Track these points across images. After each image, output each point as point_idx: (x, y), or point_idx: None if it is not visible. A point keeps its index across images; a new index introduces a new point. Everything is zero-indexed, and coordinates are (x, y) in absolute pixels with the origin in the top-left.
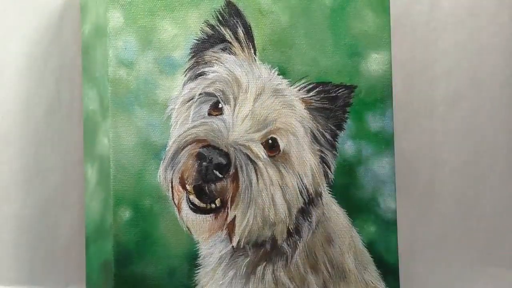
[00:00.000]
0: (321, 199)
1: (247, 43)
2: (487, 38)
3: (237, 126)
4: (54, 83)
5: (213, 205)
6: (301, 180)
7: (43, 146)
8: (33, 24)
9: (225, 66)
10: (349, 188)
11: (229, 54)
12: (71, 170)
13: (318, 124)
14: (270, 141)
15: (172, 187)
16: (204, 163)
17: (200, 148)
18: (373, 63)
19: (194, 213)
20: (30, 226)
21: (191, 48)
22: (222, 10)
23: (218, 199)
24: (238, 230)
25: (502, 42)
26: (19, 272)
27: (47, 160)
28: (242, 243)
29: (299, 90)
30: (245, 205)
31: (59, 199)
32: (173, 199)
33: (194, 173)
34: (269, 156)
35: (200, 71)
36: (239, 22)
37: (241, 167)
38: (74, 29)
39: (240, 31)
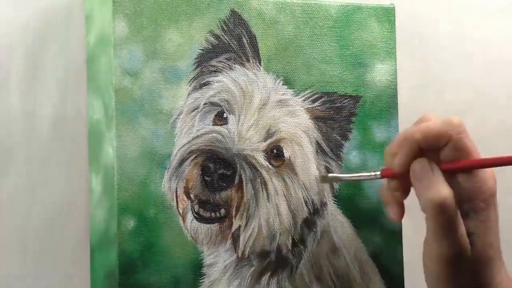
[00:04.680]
0: (326, 209)
1: (252, 53)
2: (494, 50)
3: (242, 136)
4: (59, 93)
5: (217, 215)
6: (306, 190)
7: (48, 156)
8: (37, 34)
9: (230, 76)
10: (355, 199)
11: (234, 64)
12: (76, 180)
13: (323, 134)
14: (275, 151)
15: (176, 196)
16: (209, 173)
17: (204, 158)
18: (378, 73)
19: (199, 223)
20: (35, 235)
21: (195, 58)
22: (227, 20)
23: (223, 208)
24: (242, 240)
25: (510, 54)
26: (24, 281)
27: (52, 170)
28: (246, 253)
29: (304, 100)
30: (250, 214)
31: (64, 209)
32: (177, 208)
33: (199, 183)
34: (274, 166)
35: (204, 80)
36: (244, 32)
37: (245, 177)
38: (79, 39)
39: (245, 41)
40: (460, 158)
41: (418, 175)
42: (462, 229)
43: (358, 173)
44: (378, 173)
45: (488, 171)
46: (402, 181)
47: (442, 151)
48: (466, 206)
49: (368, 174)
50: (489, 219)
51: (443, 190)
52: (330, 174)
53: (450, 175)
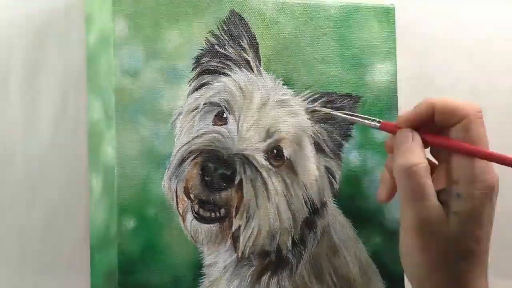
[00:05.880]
0: (326, 209)
1: (252, 53)
2: (495, 50)
3: (242, 136)
4: (59, 93)
5: (217, 215)
6: (306, 190)
7: (48, 156)
8: (37, 34)
9: (230, 76)
10: (355, 199)
11: (234, 64)
12: (76, 180)
13: (323, 134)
14: (275, 151)
15: (176, 196)
16: (209, 173)
17: (204, 158)
18: (378, 73)
19: (199, 223)
20: (35, 236)
21: (195, 58)
22: (227, 20)
23: (223, 208)
24: (242, 240)
25: (510, 54)
26: (24, 281)
27: (52, 170)
28: (246, 253)
29: (304, 100)
30: (250, 214)
31: (64, 209)
32: (177, 208)
33: (199, 183)
34: (274, 166)
35: (204, 80)
36: (244, 32)
37: (245, 177)
38: (79, 39)
39: (245, 41)
40: (466, 140)
41: (398, 141)
42: (434, 202)
43: (356, 116)
44: (378, 124)
45: (490, 165)
46: None
47: (452, 129)
48: (460, 189)
49: (368, 120)
50: (481, 211)
51: (414, 157)
52: (322, 108)
53: (449, 154)
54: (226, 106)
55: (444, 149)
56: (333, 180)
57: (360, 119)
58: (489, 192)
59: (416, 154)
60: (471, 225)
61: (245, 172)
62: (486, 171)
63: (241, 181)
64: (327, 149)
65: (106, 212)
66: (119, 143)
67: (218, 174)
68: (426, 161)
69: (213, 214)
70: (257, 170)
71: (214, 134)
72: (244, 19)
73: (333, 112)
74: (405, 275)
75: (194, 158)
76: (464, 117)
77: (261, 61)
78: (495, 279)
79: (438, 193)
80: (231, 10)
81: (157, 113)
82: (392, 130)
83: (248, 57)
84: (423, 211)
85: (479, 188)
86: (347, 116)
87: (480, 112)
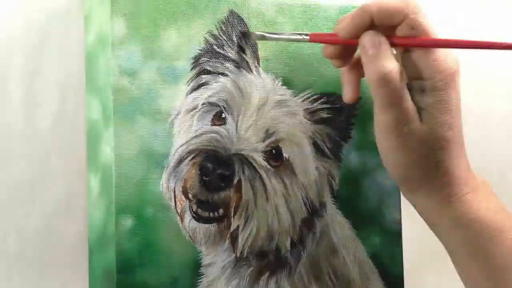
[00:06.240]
0: (325, 210)
1: (251, 53)
2: (494, 50)
3: (241, 136)
4: (58, 93)
5: (216, 214)
6: (305, 190)
7: (46, 156)
8: (36, 34)
9: (229, 76)
10: (354, 199)
11: (233, 64)
12: (75, 179)
13: (322, 135)
14: (273, 151)
15: (174, 196)
16: (207, 173)
17: (203, 157)
18: None
19: (197, 222)
20: (33, 235)
21: (194, 58)
22: (226, 20)
23: (221, 208)
24: (241, 240)
25: (510, 54)
26: (23, 281)
27: (51, 169)
28: (245, 253)
29: (303, 101)
30: (248, 215)
31: (62, 208)
32: (175, 208)
33: (197, 183)
34: (272, 167)
35: (203, 80)
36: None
37: (244, 177)
38: (78, 39)
39: (244, 41)
40: (416, 36)
41: (365, 47)
42: (409, 103)
43: (286, 34)
44: (307, 37)
45: (449, 51)
46: (340, 51)
47: (398, 29)
48: (422, 83)
49: (297, 36)
50: (447, 99)
51: (388, 63)
52: (256, 32)
53: (404, 52)
54: (225, 106)
55: (414, 46)
56: (332, 180)
57: (288, 36)
58: (451, 78)
59: (389, 59)
60: (440, 115)
61: (243, 172)
62: (446, 59)
63: (239, 181)
64: (326, 150)
65: (104, 211)
66: (117, 142)
67: (217, 174)
68: (399, 64)
69: (211, 214)
70: (256, 171)
71: (212, 134)
72: (243, 19)
73: (264, 34)
74: (389, 174)
75: (192, 158)
76: (404, 17)
77: (260, 61)
78: None
79: None
80: (230, 10)
81: (155, 113)
82: (330, 41)
83: (247, 57)
84: (401, 113)
85: (441, 78)
86: (276, 36)
87: (417, 7)
